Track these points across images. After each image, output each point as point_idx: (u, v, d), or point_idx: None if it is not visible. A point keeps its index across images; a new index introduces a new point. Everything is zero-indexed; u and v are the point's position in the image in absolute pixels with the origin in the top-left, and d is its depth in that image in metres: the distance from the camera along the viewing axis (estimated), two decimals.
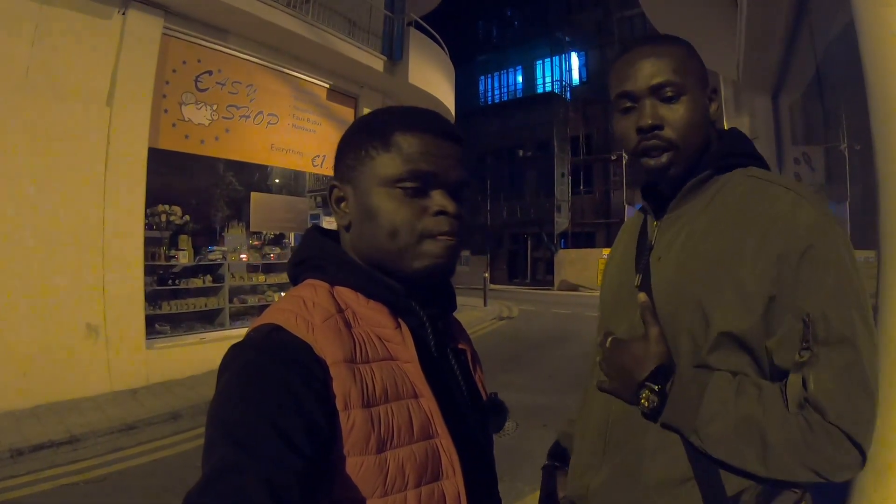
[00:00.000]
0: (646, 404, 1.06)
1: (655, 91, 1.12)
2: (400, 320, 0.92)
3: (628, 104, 1.15)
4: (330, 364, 0.80)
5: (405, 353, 0.90)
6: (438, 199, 0.92)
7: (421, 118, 0.95)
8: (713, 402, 0.99)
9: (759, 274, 0.99)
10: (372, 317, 0.91)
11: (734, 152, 1.17)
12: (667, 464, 1.06)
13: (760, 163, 1.18)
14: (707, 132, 1.17)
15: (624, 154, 28.42)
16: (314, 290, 0.91)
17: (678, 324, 1.08)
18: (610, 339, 1.17)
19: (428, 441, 0.86)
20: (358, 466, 0.79)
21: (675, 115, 1.11)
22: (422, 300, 0.96)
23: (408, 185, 0.91)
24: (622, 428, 1.15)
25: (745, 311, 1.00)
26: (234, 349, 0.83)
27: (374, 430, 0.80)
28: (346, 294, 0.92)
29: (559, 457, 1.46)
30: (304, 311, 0.86)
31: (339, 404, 0.79)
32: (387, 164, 0.91)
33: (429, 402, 0.88)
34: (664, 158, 1.13)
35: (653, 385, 1.05)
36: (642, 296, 1.13)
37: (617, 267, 1.36)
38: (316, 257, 0.97)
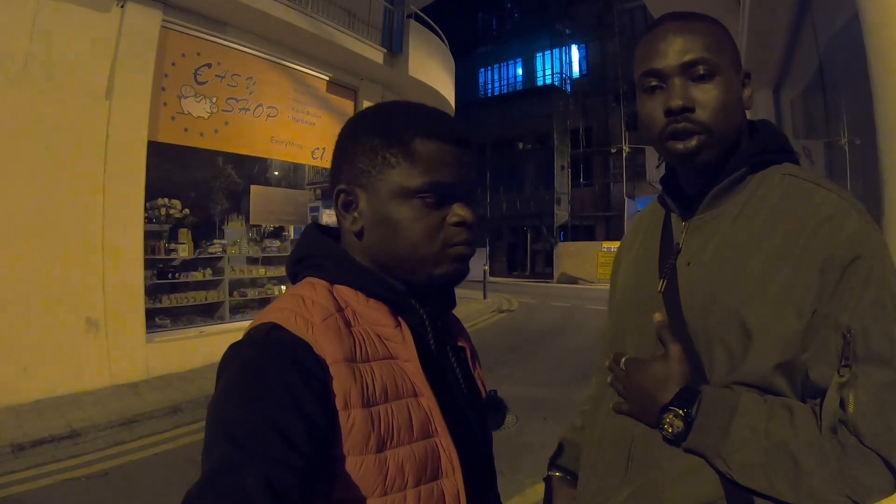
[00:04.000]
0: (669, 430, 0.97)
1: (686, 69, 1.01)
2: (400, 319, 0.92)
3: (654, 83, 1.05)
4: (330, 363, 0.80)
5: (405, 352, 0.89)
6: (458, 210, 0.91)
7: (438, 123, 0.93)
8: (743, 428, 0.92)
9: (802, 288, 0.92)
10: (372, 315, 0.90)
11: (769, 149, 1.08)
12: (695, 487, 0.98)
13: (793, 158, 1.10)
14: (740, 119, 1.07)
15: (624, 147, 28.56)
16: (313, 289, 0.90)
17: (713, 338, 1.00)
18: (624, 359, 1.09)
19: (427, 440, 0.86)
20: (358, 466, 0.78)
21: (708, 96, 1.01)
22: (422, 298, 0.95)
23: (428, 196, 0.90)
24: (648, 447, 1.05)
25: (787, 332, 0.93)
26: (234, 348, 0.83)
27: (374, 430, 0.80)
28: (345, 292, 0.91)
29: (560, 465, 1.37)
30: (304, 309, 0.85)
31: (338, 403, 0.78)
32: (406, 173, 0.89)
33: (428, 401, 0.88)
34: (693, 142, 1.02)
35: (678, 410, 0.97)
36: (658, 315, 1.05)
37: (635, 267, 1.25)
38: (315, 255, 0.96)
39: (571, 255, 29.13)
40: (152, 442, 5.45)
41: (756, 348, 0.95)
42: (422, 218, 0.90)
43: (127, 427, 5.77)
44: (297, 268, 0.98)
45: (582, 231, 32.89)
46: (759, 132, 1.10)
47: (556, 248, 30.61)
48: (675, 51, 1.02)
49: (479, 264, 22.51)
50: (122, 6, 6.92)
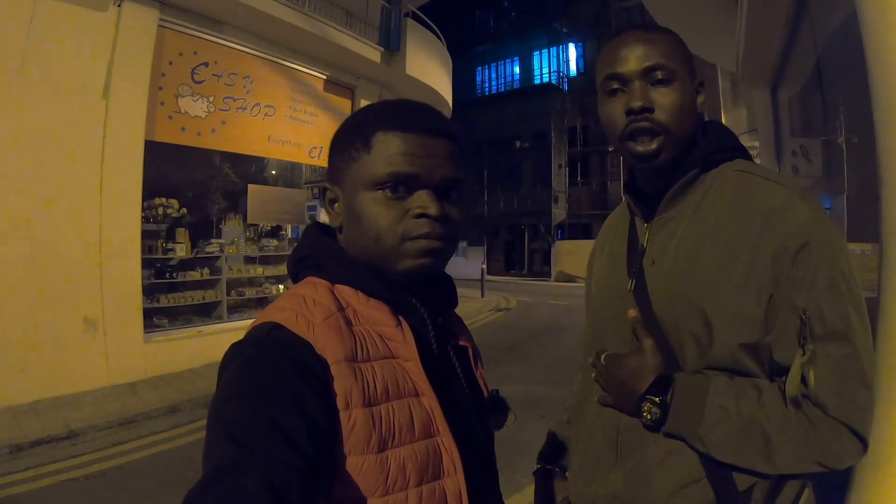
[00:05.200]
0: (648, 417, 1.06)
1: (647, 74, 1.09)
2: (401, 318, 0.92)
3: (616, 86, 1.12)
4: (331, 363, 0.80)
5: (406, 352, 0.89)
6: (419, 200, 0.90)
7: (405, 115, 0.92)
8: (714, 409, 1.00)
9: (758, 276, 1.00)
10: (372, 315, 0.90)
11: (721, 148, 1.17)
12: (679, 467, 1.06)
13: (745, 154, 1.19)
14: (695, 123, 1.15)
15: None
16: (314, 288, 0.90)
17: (681, 329, 1.08)
18: (604, 355, 1.17)
19: (429, 439, 0.86)
20: (359, 466, 0.78)
21: (667, 99, 1.09)
22: (423, 297, 0.95)
23: (389, 187, 0.89)
24: (634, 434, 1.13)
25: (746, 317, 1.01)
26: (235, 348, 0.83)
27: (376, 429, 0.80)
28: (346, 292, 0.91)
29: (552, 460, 1.44)
30: (305, 309, 0.85)
31: (339, 403, 0.78)
32: (368, 166, 0.90)
33: (430, 400, 0.88)
34: (654, 144, 1.09)
35: (654, 398, 1.06)
36: (632, 312, 1.13)
37: (605, 269, 1.34)
38: (316, 255, 0.96)
39: (569, 254, 29.08)
40: (151, 442, 5.44)
41: (719, 336, 1.03)
42: (383, 210, 0.89)
43: (125, 427, 5.77)
44: (299, 267, 0.98)
45: (580, 229, 32.82)
46: (710, 132, 1.19)
47: (553, 247, 30.58)
48: (636, 57, 1.10)
49: (476, 263, 22.48)
50: (118, 5, 6.90)
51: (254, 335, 0.84)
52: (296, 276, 0.98)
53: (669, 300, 1.10)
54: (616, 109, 1.12)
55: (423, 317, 0.95)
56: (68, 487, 4.39)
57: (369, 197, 0.90)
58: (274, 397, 0.74)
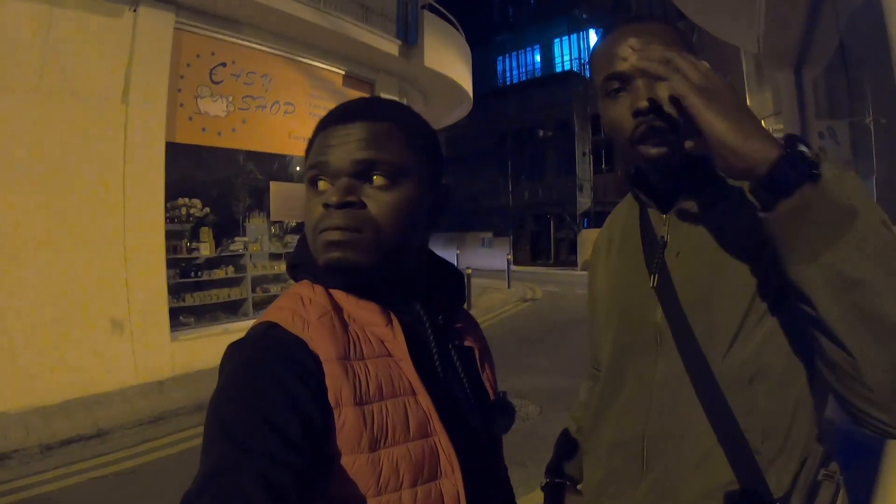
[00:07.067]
0: (804, 157, 0.78)
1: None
2: (392, 317, 0.91)
3: (617, 86, 1.03)
4: (323, 361, 0.80)
5: (399, 350, 0.88)
6: (321, 188, 0.90)
7: (332, 112, 0.93)
8: (873, 204, 0.82)
9: None
10: (363, 315, 0.90)
11: None
12: (709, 474, 0.98)
13: None
14: None
15: None
16: (312, 288, 0.91)
17: (714, 316, 1.00)
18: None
19: (425, 439, 0.85)
20: (350, 465, 0.78)
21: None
22: (419, 296, 0.95)
23: (310, 181, 0.90)
24: (660, 441, 1.05)
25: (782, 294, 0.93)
26: (232, 347, 0.84)
27: (367, 428, 0.79)
28: (338, 294, 0.91)
29: (562, 472, 1.39)
30: (301, 308, 0.86)
31: (330, 401, 0.78)
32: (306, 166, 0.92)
33: (426, 400, 0.87)
34: (665, 149, 0.99)
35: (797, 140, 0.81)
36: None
37: (618, 267, 1.24)
38: (307, 262, 0.96)
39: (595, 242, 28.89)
40: (179, 439, 5.54)
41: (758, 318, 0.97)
42: (308, 205, 0.90)
43: (153, 425, 5.88)
44: (293, 272, 0.99)
45: (605, 217, 32.12)
46: None
47: (579, 236, 30.39)
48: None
49: (502, 253, 22.43)
50: (134, 10, 6.98)
51: (250, 335, 0.85)
52: (295, 279, 0.99)
53: (704, 289, 1.02)
54: (621, 111, 1.03)
55: (419, 315, 0.94)
56: (97, 485, 4.48)
57: (305, 193, 0.91)
58: (270, 396, 0.74)
